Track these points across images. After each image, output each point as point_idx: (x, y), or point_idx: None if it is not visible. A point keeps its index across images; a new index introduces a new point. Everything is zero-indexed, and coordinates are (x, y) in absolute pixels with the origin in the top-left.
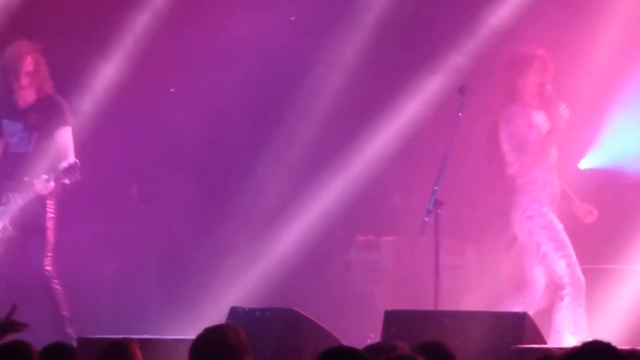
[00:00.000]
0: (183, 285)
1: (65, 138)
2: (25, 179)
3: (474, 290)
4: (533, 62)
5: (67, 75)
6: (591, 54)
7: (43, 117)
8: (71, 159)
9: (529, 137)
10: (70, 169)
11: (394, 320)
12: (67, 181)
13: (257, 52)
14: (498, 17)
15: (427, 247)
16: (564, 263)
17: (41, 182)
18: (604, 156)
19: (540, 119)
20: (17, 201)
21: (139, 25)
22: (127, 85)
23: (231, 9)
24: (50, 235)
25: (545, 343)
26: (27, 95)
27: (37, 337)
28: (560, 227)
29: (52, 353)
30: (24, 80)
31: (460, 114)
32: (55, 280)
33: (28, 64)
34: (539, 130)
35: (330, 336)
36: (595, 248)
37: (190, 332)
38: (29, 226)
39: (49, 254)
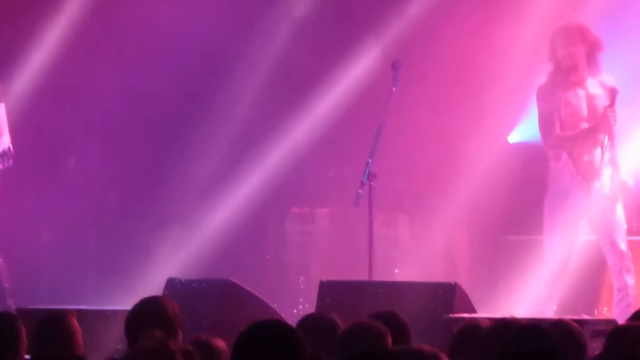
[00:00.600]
0: (120, 257)
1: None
2: None
3: (407, 261)
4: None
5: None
6: (517, 34)
7: None
8: (5, 142)
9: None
10: (3, 155)
11: (329, 290)
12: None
13: (189, 33)
14: None
15: (361, 219)
16: None
17: None
18: (531, 130)
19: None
20: None
21: (69, 9)
22: (62, 65)
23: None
24: None
25: (475, 312)
26: None
27: None
28: None
29: None
30: None
31: (393, 89)
32: None
33: None
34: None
35: (266, 306)
36: (524, 219)
37: (127, 303)
38: None
39: None
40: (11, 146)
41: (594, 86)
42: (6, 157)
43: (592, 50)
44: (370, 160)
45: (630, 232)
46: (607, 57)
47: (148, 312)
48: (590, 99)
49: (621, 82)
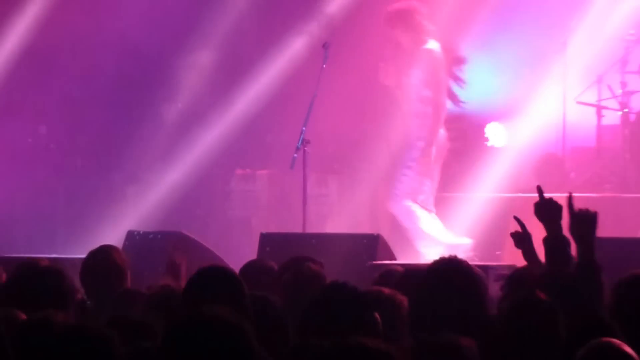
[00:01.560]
0: (86, 212)
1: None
2: None
3: (335, 215)
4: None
5: None
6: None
7: None
8: None
9: None
10: None
11: (268, 241)
12: None
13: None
14: None
15: (296, 179)
16: None
17: None
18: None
19: None
20: None
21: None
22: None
23: None
24: None
25: (395, 259)
26: None
27: None
28: None
29: None
30: None
31: (324, 65)
32: None
33: None
34: None
35: (213, 254)
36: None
37: None
38: None
39: None
40: None
41: None
42: None
43: None
44: (304, 128)
45: (525, 190)
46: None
47: (98, 259)
48: None
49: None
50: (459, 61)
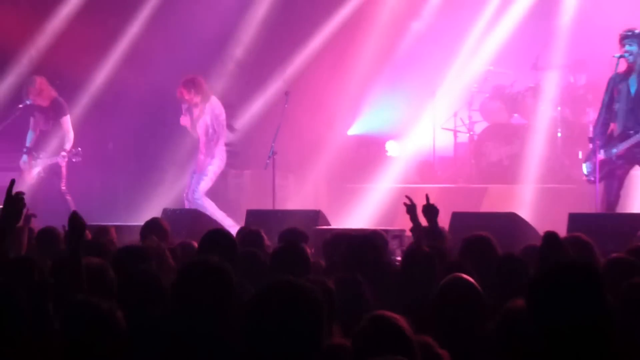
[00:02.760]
0: (138, 194)
1: (66, 123)
2: (61, 153)
3: (293, 199)
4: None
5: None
6: (356, 52)
7: (54, 112)
8: (69, 141)
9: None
10: (77, 154)
11: (251, 215)
12: (74, 160)
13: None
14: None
15: (269, 175)
16: None
17: (60, 157)
18: (365, 126)
19: None
20: (45, 160)
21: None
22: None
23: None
24: (64, 172)
25: (330, 225)
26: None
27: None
28: None
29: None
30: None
31: (286, 105)
32: (68, 196)
33: (39, 84)
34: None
35: (217, 224)
36: (358, 174)
37: (141, 221)
38: (52, 171)
39: (64, 183)
40: (80, 149)
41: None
42: (77, 156)
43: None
44: (273, 144)
45: (410, 182)
46: None
47: (151, 226)
48: None
49: None
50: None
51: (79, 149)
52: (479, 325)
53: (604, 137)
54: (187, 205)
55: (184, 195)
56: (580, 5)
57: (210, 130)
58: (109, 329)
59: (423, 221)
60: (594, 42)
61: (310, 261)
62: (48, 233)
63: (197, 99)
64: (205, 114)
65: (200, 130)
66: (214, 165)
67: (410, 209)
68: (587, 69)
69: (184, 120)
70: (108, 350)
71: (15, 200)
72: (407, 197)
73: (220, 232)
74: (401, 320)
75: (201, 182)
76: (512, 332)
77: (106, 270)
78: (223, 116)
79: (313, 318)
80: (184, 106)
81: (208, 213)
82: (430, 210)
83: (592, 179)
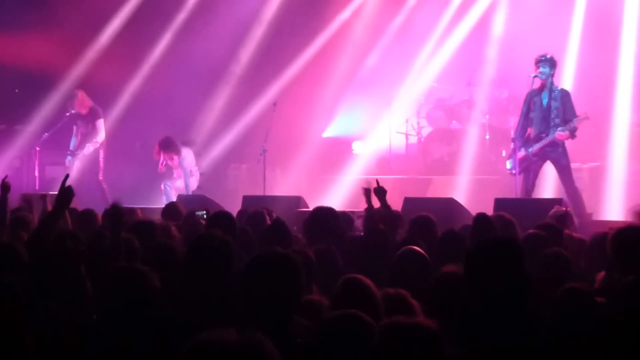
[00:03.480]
0: (157, 182)
1: (100, 125)
2: (87, 144)
3: (280, 186)
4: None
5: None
6: (329, 71)
7: (92, 116)
8: (100, 139)
9: None
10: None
11: (247, 200)
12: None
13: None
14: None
15: (260, 169)
16: None
17: (86, 148)
18: (338, 129)
19: None
20: (80, 155)
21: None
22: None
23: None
24: (101, 165)
25: (309, 208)
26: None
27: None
28: None
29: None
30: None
31: (274, 113)
32: (104, 185)
33: (80, 97)
34: None
35: (220, 207)
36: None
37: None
38: (91, 164)
39: (102, 174)
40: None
41: None
42: (103, 148)
43: None
44: (264, 143)
45: (372, 174)
46: None
47: (170, 208)
48: None
49: None
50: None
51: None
52: (426, 283)
53: (523, 139)
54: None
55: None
56: (504, 35)
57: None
58: (148, 290)
59: (376, 203)
60: (515, 64)
61: (292, 236)
62: (87, 214)
63: (171, 156)
64: (178, 163)
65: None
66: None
67: (366, 192)
68: (508, 86)
69: (160, 170)
70: (147, 306)
71: (67, 191)
72: (363, 183)
73: (223, 213)
74: (368, 281)
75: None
76: (447, 288)
77: (133, 242)
78: (188, 161)
79: (293, 277)
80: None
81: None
82: (380, 191)
83: (514, 172)
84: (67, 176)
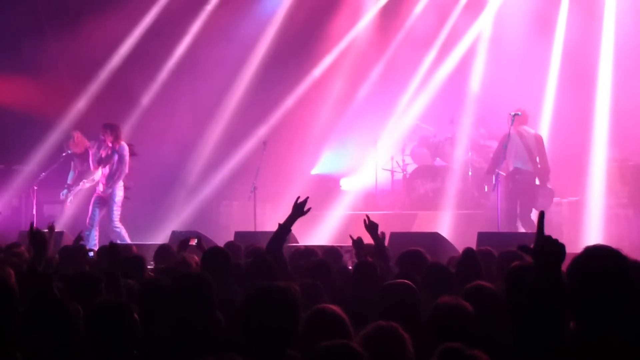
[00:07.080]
0: (154, 212)
1: (125, 153)
2: (82, 180)
3: (269, 222)
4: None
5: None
6: (316, 112)
7: (87, 156)
8: (92, 175)
9: None
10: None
11: (239, 235)
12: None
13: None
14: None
15: (251, 205)
16: None
17: (82, 184)
18: (326, 166)
19: None
20: (74, 190)
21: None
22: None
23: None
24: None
25: (298, 242)
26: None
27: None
28: None
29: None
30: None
31: (264, 152)
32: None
33: (76, 138)
34: None
35: (213, 243)
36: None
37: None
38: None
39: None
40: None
41: None
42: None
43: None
44: (254, 180)
45: (360, 209)
46: None
47: (165, 247)
48: None
49: None
50: (133, 153)
51: (84, 180)
52: (417, 315)
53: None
54: (113, 237)
55: (87, 223)
56: (483, 79)
57: (114, 167)
58: (127, 322)
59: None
60: (492, 103)
61: (273, 270)
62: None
63: (109, 140)
64: (114, 153)
65: (106, 166)
66: (118, 197)
67: (371, 226)
68: (486, 125)
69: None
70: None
71: (38, 234)
72: (366, 216)
73: (218, 249)
74: (338, 310)
75: (114, 213)
76: (442, 319)
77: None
78: (127, 158)
79: (293, 311)
80: (94, 144)
81: (126, 238)
82: (372, 226)
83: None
84: (32, 224)
